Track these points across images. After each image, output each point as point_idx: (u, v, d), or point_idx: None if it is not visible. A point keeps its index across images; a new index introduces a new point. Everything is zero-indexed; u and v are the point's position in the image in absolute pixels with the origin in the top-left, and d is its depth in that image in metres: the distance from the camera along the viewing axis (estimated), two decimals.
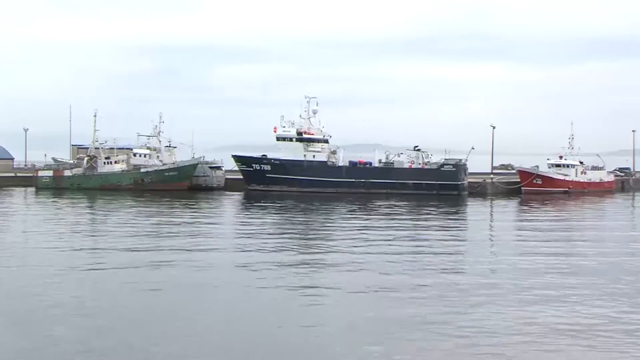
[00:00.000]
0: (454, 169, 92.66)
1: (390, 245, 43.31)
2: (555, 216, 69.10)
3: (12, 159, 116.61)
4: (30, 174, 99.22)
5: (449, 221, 60.84)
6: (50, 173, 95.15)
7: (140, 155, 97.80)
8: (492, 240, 49.01)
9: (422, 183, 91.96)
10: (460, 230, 55.61)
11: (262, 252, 39.85)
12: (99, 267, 34.17)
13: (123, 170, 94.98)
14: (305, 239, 46.49)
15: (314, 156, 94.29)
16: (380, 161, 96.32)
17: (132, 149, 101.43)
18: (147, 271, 33.14)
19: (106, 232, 49.09)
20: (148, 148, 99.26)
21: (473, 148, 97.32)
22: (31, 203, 75.30)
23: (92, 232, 50.10)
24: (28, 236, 47.70)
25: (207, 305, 26.56)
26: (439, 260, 37.61)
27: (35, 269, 33.45)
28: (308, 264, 36.10)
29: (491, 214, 72.59)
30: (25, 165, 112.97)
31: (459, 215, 68.89)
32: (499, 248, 44.31)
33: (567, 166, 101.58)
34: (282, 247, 42.19)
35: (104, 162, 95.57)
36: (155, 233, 48.04)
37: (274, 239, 45.82)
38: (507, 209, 77.33)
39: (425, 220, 60.84)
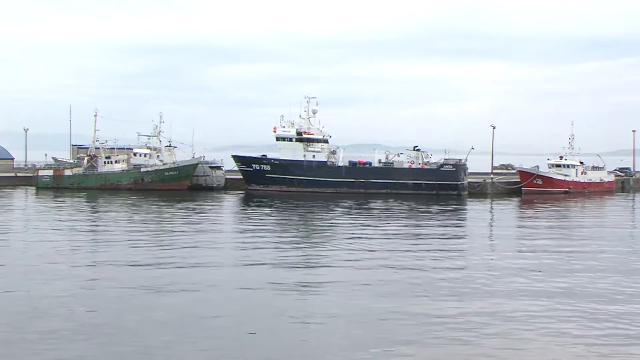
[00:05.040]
0: (454, 169, 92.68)
1: (388, 249, 43.01)
2: (556, 217, 69.01)
3: (13, 159, 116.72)
4: (31, 174, 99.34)
5: (447, 223, 60.57)
6: (50, 173, 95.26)
7: (140, 155, 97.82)
8: (491, 255, 48.45)
9: (421, 183, 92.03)
10: (459, 235, 55.15)
11: (260, 254, 39.76)
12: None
13: (123, 170, 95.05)
14: (304, 242, 46.36)
15: (313, 156, 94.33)
16: (380, 161, 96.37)
17: (132, 149, 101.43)
18: (146, 278, 32.99)
19: (105, 232, 49.20)
20: (148, 148, 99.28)
21: (473, 148, 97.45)
22: (30, 203, 75.19)
23: (92, 237, 50.01)
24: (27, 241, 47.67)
25: (206, 309, 26.59)
26: (438, 265, 37.55)
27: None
28: (307, 267, 36.07)
29: (491, 216, 72.37)
30: (26, 165, 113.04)
31: (458, 216, 68.71)
32: (498, 258, 42.90)
33: (567, 166, 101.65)
34: (281, 249, 42.16)
35: (104, 162, 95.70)
36: (154, 236, 47.67)
37: (273, 241, 45.65)
38: (507, 209, 77.21)
39: (425, 221, 60.70)
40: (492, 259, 38.92)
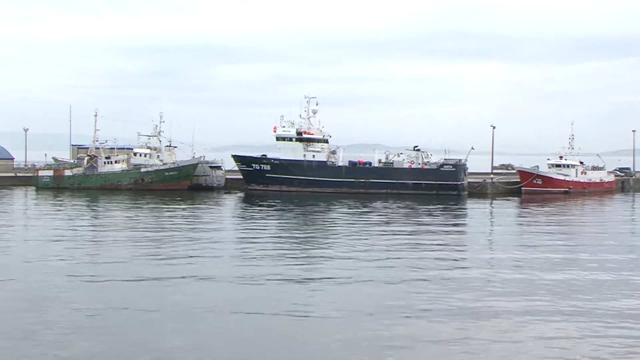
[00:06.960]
0: (454, 169, 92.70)
1: (388, 256, 42.16)
2: (556, 222, 68.92)
3: (12, 159, 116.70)
4: (31, 174, 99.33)
5: (447, 228, 59.96)
6: (50, 173, 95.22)
7: (140, 155, 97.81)
8: (491, 255, 48.25)
9: (421, 183, 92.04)
10: (460, 237, 54.93)
11: (260, 258, 39.67)
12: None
13: (123, 170, 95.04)
14: (304, 244, 46.20)
15: (313, 156, 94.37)
16: (380, 161, 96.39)
17: (132, 149, 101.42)
18: (147, 281, 32.81)
19: (105, 236, 49.17)
20: (148, 148, 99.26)
21: (473, 148, 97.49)
22: (30, 204, 75.17)
23: (92, 240, 49.95)
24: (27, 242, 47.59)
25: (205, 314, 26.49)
26: (437, 268, 37.42)
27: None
28: (307, 272, 35.83)
29: (491, 217, 72.32)
30: (26, 165, 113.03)
31: (459, 217, 68.66)
32: (497, 261, 42.21)
33: (567, 166, 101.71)
34: (281, 251, 42.11)
35: (104, 162, 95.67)
36: (153, 243, 46.76)
37: (272, 248, 45.09)
38: (507, 210, 77.12)
39: (424, 225, 60.51)
40: (493, 270, 37.18)
